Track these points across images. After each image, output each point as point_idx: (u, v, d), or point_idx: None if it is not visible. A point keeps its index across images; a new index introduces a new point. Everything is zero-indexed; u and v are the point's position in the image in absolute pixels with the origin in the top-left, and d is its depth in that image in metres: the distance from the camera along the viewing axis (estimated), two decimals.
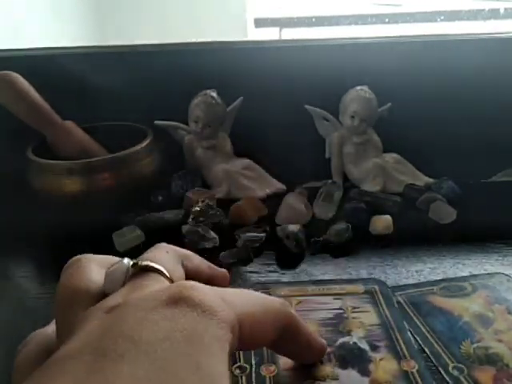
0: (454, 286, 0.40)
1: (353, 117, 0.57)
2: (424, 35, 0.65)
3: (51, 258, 0.46)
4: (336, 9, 1.84)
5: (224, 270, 0.30)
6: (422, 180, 0.58)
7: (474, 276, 0.42)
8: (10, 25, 1.06)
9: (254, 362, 0.33)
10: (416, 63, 0.60)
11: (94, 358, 0.18)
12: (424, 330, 0.36)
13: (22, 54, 0.63)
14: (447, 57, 0.61)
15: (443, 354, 0.33)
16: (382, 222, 0.50)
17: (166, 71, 0.61)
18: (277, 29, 1.83)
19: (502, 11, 1.57)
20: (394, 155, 0.60)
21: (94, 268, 0.24)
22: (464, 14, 1.66)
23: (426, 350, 0.34)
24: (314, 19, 1.78)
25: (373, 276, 0.43)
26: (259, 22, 1.85)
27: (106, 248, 0.27)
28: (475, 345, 0.34)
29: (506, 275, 0.42)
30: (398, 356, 0.33)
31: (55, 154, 0.54)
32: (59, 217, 0.50)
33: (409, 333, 0.35)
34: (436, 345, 0.34)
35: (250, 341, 0.22)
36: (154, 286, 0.22)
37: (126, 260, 0.24)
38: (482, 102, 0.60)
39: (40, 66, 0.59)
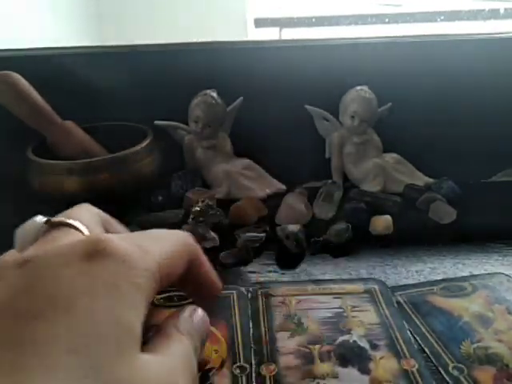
0: (453, 286, 0.40)
1: (353, 117, 0.57)
2: (424, 35, 0.65)
3: None
4: (336, 9, 1.84)
5: None
6: (422, 180, 0.58)
7: (474, 276, 0.42)
8: (10, 25, 1.06)
9: (254, 362, 0.33)
10: (416, 63, 0.60)
11: (7, 321, 0.17)
12: (424, 329, 0.36)
13: (21, 53, 0.63)
14: (447, 57, 0.61)
15: (443, 354, 0.33)
16: (382, 222, 0.50)
17: (166, 71, 0.61)
18: (277, 29, 1.83)
19: (502, 11, 1.57)
20: (394, 155, 0.60)
21: None
22: (464, 14, 1.66)
23: (426, 350, 0.34)
24: (313, 19, 1.78)
25: (373, 276, 0.43)
26: (259, 22, 1.85)
27: None
28: (475, 345, 0.34)
29: (506, 275, 0.42)
30: (398, 355, 0.33)
31: (55, 154, 0.54)
32: None
33: (408, 332, 0.35)
34: (436, 345, 0.34)
35: (167, 281, 0.21)
36: (68, 238, 0.21)
37: (39, 217, 0.23)
38: (482, 102, 0.60)
39: (40, 66, 0.59)
